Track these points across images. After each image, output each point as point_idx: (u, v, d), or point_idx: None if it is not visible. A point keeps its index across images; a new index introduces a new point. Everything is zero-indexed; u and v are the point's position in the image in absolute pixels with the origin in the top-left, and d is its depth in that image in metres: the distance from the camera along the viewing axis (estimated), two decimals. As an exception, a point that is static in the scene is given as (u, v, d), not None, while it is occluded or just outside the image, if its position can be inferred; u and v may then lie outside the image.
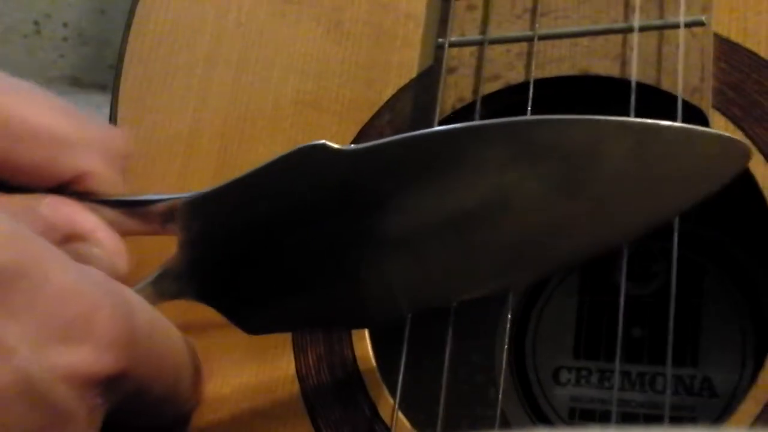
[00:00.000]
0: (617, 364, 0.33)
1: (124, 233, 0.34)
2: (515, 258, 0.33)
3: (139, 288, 0.32)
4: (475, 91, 0.37)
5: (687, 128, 0.31)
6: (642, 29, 0.36)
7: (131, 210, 0.34)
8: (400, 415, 0.34)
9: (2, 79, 0.33)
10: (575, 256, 0.34)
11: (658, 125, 0.30)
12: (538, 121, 0.31)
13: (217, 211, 0.32)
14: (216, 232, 0.33)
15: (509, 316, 0.36)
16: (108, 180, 0.34)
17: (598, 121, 0.30)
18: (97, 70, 0.78)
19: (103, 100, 0.47)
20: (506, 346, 0.39)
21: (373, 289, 0.34)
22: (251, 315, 0.34)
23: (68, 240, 0.32)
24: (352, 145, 0.31)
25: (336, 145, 0.31)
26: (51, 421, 0.27)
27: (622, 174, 0.31)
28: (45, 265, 0.28)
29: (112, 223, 0.33)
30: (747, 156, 0.31)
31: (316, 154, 0.31)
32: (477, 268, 0.33)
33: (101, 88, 0.76)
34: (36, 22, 0.79)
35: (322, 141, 0.31)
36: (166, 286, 0.33)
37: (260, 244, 0.33)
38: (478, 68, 0.38)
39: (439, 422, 0.33)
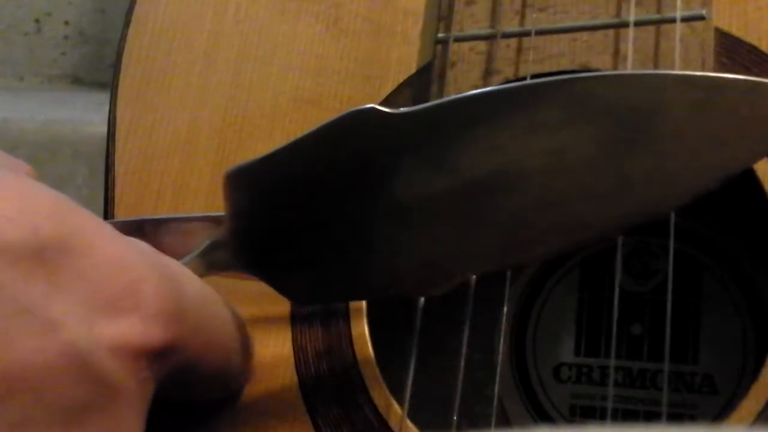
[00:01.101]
0: (612, 360, 0.33)
1: None
2: (561, 223, 0.31)
3: (187, 260, 0.32)
4: (475, 86, 0.37)
5: (752, 80, 0.30)
6: (640, 24, 0.35)
7: None
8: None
9: None
10: (627, 222, 0.31)
11: (723, 78, 0.30)
12: (596, 77, 0.30)
13: (265, 180, 0.32)
14: (263, 203, 0.32)
15: (504, 309, 0.35)
16: None
17: (660, 75, 0.30)
18: (97, 69, 0.78)
19: (104, 99, 0.47)
20: (502, 342, 0.39)
21: (417, 257, 0.32)
22: (297, 285, 0.34)
23: None
24: (402, 108, 0.30)
25: (385, 108, 0.30)
26: (100, 393, 0.26)
27: (684, 131, 0.29)
28: (89, 236, 0.27)
29: None
30: None
31: (365, 118, 0.30)
32: (526, 232, 0.32)
33: (102, 86, 0.76)
34: (37, 21, 0.79)
35: (371, 105, 0.30)
36: (214, 259, 0.33)
37: (305, 213, 0.32)
38: (478, 63, 0.38)
39: (454, 420, 0.33)
